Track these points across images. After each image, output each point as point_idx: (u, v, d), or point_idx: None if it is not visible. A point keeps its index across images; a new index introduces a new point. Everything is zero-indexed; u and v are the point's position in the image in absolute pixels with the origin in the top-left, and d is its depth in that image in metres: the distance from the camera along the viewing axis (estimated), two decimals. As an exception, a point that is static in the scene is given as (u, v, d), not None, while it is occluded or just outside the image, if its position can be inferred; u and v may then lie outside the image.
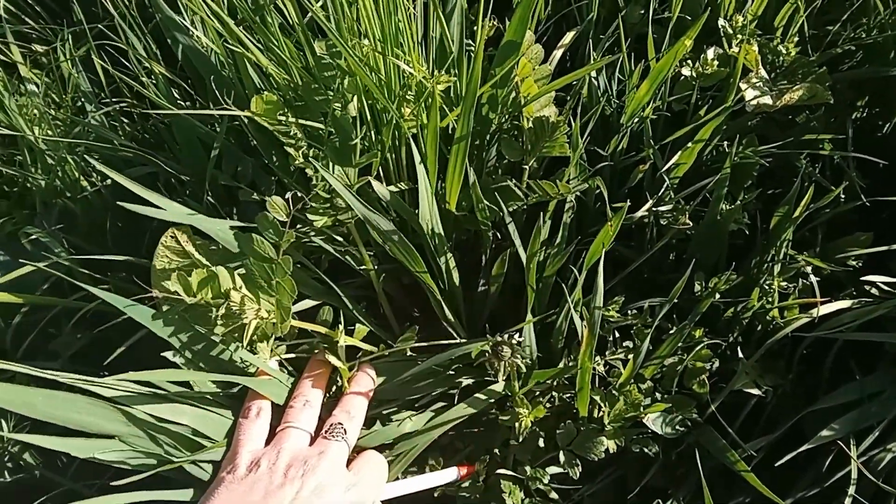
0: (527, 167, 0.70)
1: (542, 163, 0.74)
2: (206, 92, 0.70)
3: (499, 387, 0.68)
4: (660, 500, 0.69)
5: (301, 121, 0.59)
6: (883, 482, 0.68)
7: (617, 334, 0.75)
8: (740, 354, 0.74)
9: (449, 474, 0.69)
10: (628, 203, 0.64)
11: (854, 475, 0.65)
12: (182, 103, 0.69)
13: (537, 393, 0.72)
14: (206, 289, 0.55)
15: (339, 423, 0.61)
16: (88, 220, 0.75)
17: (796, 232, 0.74)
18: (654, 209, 0.68)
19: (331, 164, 0.61)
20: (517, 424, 0.67)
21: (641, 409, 0.68)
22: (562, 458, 0.68)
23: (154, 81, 0.71)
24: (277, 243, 0.57)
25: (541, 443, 0.69)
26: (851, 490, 0.64)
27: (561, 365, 0.67)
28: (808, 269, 0.72)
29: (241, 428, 0.60)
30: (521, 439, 0.68)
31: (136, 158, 0.74)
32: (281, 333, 0.61)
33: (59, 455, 0.75)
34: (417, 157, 0.60)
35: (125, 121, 0.86)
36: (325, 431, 0.60)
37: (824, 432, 0.69)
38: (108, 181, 0.76)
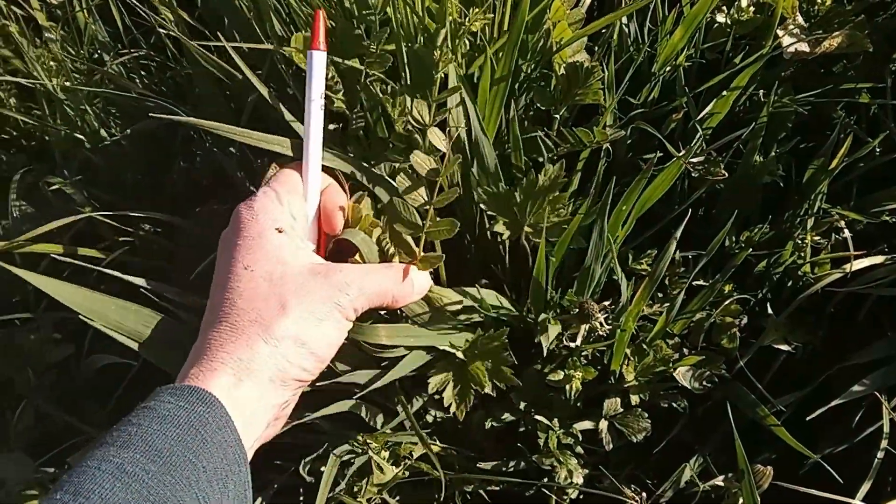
0: (558, 116, 0.68)
1: (572, 112, 0.72)
2: (226, 39, 0.68)
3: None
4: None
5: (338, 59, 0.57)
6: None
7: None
8: (770, 310, 0.73)
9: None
10: (659, 154, 0.63)
11: (886, 429, 0.64)
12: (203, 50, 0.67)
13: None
14: None
15: None
16: (109, 171, 0.74)
17: (831, 185, 0.73)
18: (686, 160, 0.67)
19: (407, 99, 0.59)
20: (568, 387, 0.66)
21: (671, 363, 0.67)
22: (602, 426, 0.67)
23: (172, 30, 0.69)
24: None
25: (578, 404, 0.69)
26: (884, 443, 0.63)
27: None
28: (842, 223, 0.71)
29: None
30: (571, 400, 0.67)
31: (157, 108, 0.73)
32: None
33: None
34: (470, 108, 0.58)
35: (143, 73, 0.85)
36: None
37: (856, 388, 0.68)
38: (128, 131, 0.74)
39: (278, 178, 0.56)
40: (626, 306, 0.64)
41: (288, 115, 0.58)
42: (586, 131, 0.66)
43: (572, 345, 0.63)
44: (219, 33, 0.63)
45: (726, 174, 0.64)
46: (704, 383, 0.71)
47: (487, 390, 0.62)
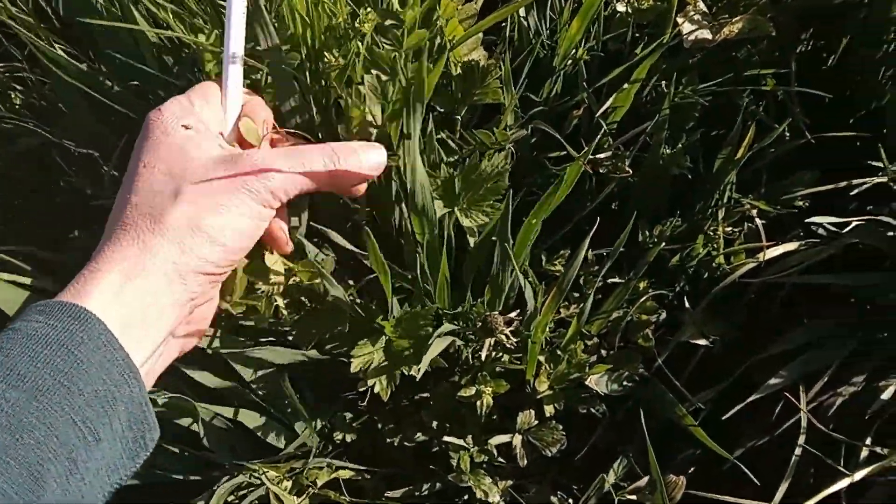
0: (459, 117, 0.65)
1: (474, 113, 0.68)
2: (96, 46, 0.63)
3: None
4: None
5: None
6: (833, 428, 0.67)
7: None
8: (687, 304, 0.71)
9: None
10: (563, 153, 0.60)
11: (804, 423, 0.63)
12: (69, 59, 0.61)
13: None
14: None
15: None
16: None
17: (740, 174, 0.71)
18: (592, 157, 0.64)
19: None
20: (479, 403, 0.63)
21: (586, 369, 0.65)
22: (516, 441, 0.65)
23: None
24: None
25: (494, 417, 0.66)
26: (801, 440, 0.62)
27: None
28: (754, 212, 0.69)
29: None
30: (482, 416, 0.64)
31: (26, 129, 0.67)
32: None
33: None
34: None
35: (18, 87, 0.79)
36: None
37: (772, 380, 0.67)
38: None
39: (193, 87, 0.51)
40: (535, 315, 0.61)
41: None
42: (487, 133, 0.63)
43: (482, 356, 0.61)
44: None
45: (630, 171, 0.62)
46: (625, 384, 0.69)
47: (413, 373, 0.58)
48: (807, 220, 0.64)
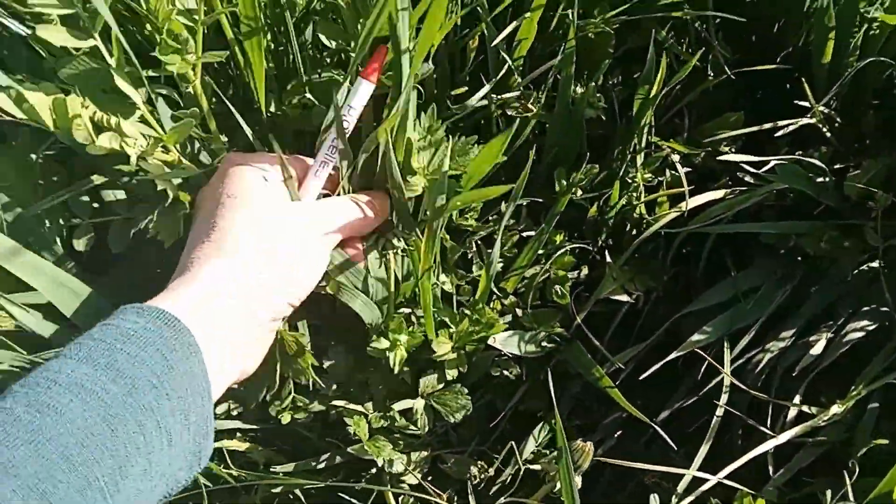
0: (353, 54, 0.59)
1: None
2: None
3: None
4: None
5: None
6: (760, 387, 0.62)
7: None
8: (608, 258, 0.66)
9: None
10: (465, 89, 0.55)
11: (726, 383, 0.59)
12: None
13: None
14: None
15: None
16: None
17: (662, 118, 0.66)
18: (496, 96, 0.59)
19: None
20: (392, 355, 0.57)
21: (494, 329, 0.59)
22: (418, 405, 0.59)
23: None
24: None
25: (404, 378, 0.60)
26: (723, 400, 0.57)
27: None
28: (675, 157, 0.65)
29: None
30: (396, 371, 0.58)
31: None
32: None
33: None
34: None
35: None
36: None
37: (695, 336, 0.63)
38: None
39: (274, 154, 0.54)
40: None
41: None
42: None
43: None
44: None
45: (534, 110, 0.56)
46: (543, 345, 0.64)
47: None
48: (722, 158, 0.59)
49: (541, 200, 0.65)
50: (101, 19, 0.46)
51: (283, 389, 0.56)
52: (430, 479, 0.68)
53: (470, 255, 0.65)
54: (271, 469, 0.58)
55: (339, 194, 0.55)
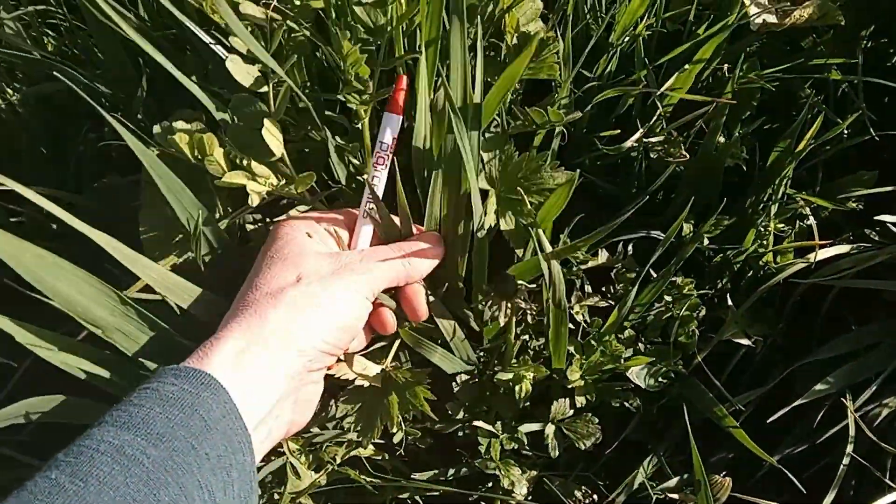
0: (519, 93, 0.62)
1: (521, 86, 0.66)
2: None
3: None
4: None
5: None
6: (878, 439, 0.64)
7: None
8: (729, 302, 0.68)
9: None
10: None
11: (852, 431, 0.60)
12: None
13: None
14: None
15: None
16: (3, 142, 0.66)
17: (795, 170, 0.68)
18: (644, 140, 0.61)
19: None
20: (518, 388, 0.60)
21: (621, 361, 0.62)
22: (549, 430, 0.62)
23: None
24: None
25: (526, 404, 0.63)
26: (849, 449, 0.59)
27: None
28: (807, 210, 0.66)
29: None
30: (520, 403, 0.62)
31: (60, 73, 0.64)
32: None
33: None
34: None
35: (51, 33, 0.76)
36: None
37: (818, 386, 0.64)
38: (19, 96, 0.66)
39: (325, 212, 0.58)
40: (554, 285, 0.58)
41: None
42: (540, 112, 0.59)
43: (500, 320, 0.58)
44: None
45: (687, 156, 0.59)
46: (660, 380, 0.66)
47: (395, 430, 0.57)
48: (875, 217, 0.61)
49: (660, 237, 0.67)
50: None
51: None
52: (529, 497, 0.70)
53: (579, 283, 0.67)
54: (411, 477, 0.61)
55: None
